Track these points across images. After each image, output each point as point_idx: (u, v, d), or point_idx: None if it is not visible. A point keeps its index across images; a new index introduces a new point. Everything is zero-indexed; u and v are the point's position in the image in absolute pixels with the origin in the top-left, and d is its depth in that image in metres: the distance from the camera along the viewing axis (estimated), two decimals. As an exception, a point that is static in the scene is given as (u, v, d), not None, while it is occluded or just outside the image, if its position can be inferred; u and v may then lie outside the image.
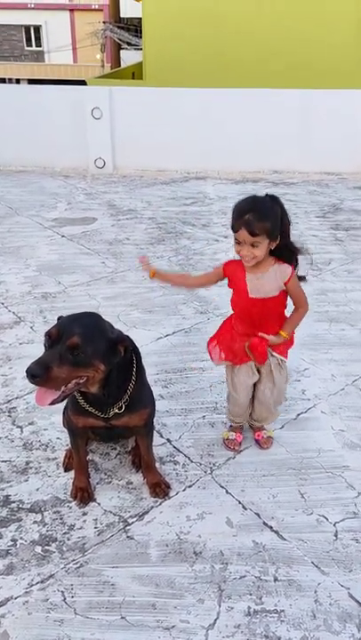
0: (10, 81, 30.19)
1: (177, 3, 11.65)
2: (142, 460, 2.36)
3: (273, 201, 2.09)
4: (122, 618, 1.80)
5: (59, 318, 1.88)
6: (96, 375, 1.82)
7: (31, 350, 3.31)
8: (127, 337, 1.97)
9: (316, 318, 3.74)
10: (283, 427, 2.69)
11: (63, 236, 5.34)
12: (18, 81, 30.77)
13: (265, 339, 2.21)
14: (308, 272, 4.45)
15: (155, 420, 2.36)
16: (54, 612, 1.82)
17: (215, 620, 1.80)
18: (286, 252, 2.15)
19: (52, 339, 1.73)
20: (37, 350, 3.11)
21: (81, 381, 1.80)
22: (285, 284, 2.16)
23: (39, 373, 1.66)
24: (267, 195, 2.13)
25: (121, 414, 2.04)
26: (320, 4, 11.09)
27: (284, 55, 11.07)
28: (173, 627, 1.77)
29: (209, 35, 11.55)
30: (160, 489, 2.29)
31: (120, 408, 2.02)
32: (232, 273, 2.22)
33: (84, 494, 2.26)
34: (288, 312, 2.32)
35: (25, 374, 1.69)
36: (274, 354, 2.31)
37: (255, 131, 7.76)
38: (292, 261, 2.17)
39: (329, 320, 3.73)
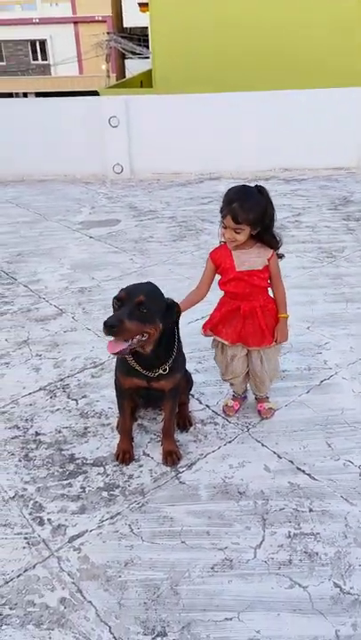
0: (17, 95, 30.71)
1: (184, 11, 12.05)
2: (163, 426, 2.59)
3: (260, 193, 2.33)
4: (182, 542, 2.13)
5: (120, 290, 2.21)
6: (154, 333, 2.17)
7: (75, 337, 3.66)
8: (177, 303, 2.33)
9: (334, 299, 4.06)
10: (308, 391, 3.01)
11: (91, 237, 5.70)
12: (25, 95, 31.34)
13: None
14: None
15: (192, 389, 2.68)
16: (124, 540, 2.16)
17: (261, 541, 2.12)
18: (268, 238, 2.41)
19: (122, 300, 2.10)
20: (80, 337, 3.58)
21: (143, 338, 2.15)
22: (268, 259, 2.45)
23: (115, 324, 2.02)
24: (256, 186, 2.37)
25: (164, 376, 2.36)
26: (329, 10, 11.40)
27: (291, 58, 11.40)
28: (226, 547, 2.10)
29: (216, 41, 11.92)
30: (171, 458, 2.52)
31: (165, 370, 2.35)
32: (219, 256, 2.49)
33: (125, 455, 2.56)
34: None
35: (103, 328, 2.02)
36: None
37: (265, 131, 8.09)
38: (273, 247, 2.44)
39: (345, 300, 4.04)
